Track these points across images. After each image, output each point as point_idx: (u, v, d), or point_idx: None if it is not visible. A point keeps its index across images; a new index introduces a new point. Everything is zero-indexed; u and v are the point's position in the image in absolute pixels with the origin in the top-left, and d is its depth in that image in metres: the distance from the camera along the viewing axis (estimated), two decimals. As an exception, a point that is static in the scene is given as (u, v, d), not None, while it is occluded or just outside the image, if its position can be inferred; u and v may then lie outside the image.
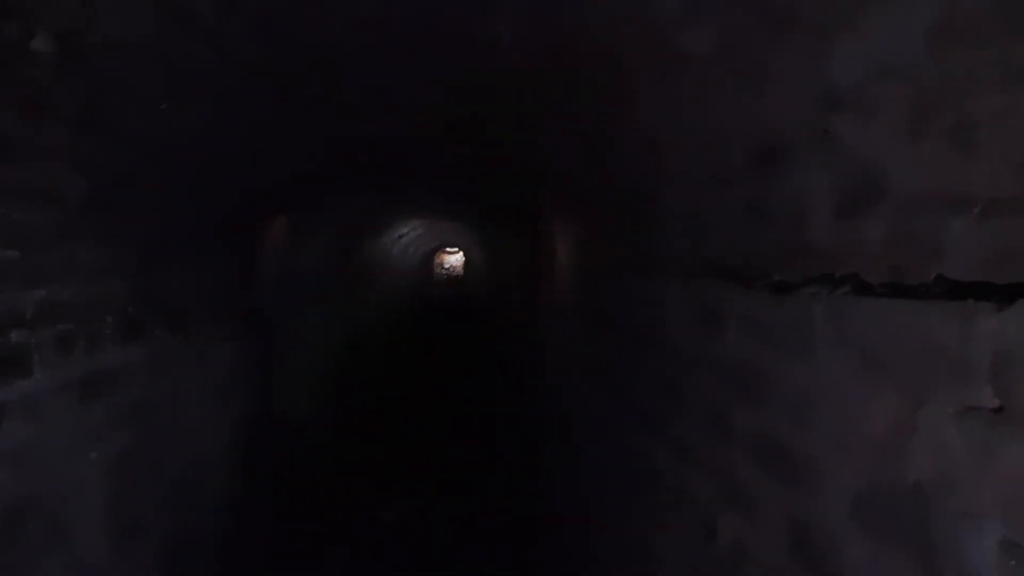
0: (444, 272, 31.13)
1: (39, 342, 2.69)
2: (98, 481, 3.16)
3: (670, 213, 2.90)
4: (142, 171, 3.22)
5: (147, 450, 3.67)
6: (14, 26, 2.08)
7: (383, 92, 4.09)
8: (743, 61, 1.96)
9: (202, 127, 3.38)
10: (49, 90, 2.38)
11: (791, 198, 1.84)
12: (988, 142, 1.13)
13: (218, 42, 2.81)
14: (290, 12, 2.83)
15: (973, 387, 1.15)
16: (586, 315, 4.97)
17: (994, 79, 1.10)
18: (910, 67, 1.28)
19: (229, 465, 5.15)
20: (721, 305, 2.39)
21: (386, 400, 11.65)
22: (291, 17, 2.87)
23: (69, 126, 2.58)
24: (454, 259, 31.04)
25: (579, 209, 4.95)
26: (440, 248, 27.40)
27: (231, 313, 5.15)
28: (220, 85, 3.16)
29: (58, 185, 2.71)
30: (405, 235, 15.76)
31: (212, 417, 4.79)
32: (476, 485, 8.09)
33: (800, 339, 1.80)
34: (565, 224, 5.58)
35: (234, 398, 5.30)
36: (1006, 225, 1.10)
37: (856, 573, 1.53)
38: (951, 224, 1.21)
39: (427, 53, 3.37)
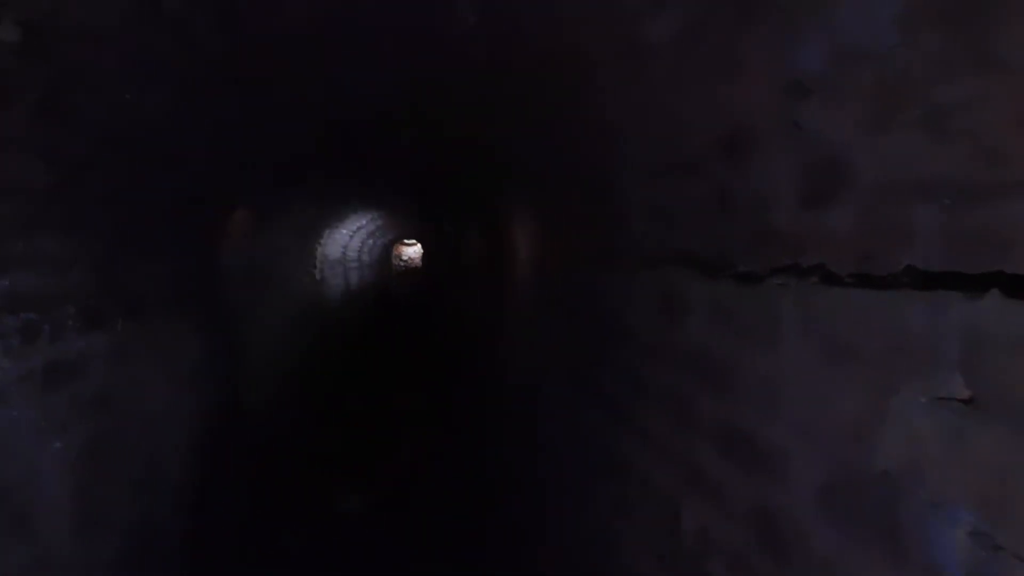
0: (402, 263, 30.97)
1: (3, 331, 2.65)
2: (61, 470, 3.11)
3: (634, 202, 2.89)
4: (105, 162, 3.17)
5: (110, 440, 3.61)
6: None
7: (344, 82, 4.05)
8: (709, 49, 1.94)
9: (166, 118, 3.32)
10: (12, 79, 2.32)
11: (757, 187, 1.83)
12: (958, 129, 1.12)
13: (183, 34, 2.76)
14: (256, 4, 2.78)
15: (944, 377, 1.15)
16: (549, 305, 4.95)
17: (964, 65, 1.10)
18: (878, 53, 1.27)
19: (193, 455, 5.07)
20: (685, 294, 2.38)
21: (348, 390, 11.59)
22: (257, 9, 2.83)
23: (31, 115, 2.52)
24: (412, 251, 30.89)
25: (541, 199, 4.93)
26: (398, 240, 27.23)
27: (194, 304, 5.08)
28: (184, 77, 3.11)
29: (21, 175, 2.65)
30: (363, 227, 15.65)
31: (176, 408, 4.73)
32: (435, 475, 8.08)
33: (766, 329, 1.79)
34: (527, 214, 5.55)
35: (198, 389, 5.23)
36: (977, 214, 1.09)
37: (823, 562, 1.53)
38: (920, 213, 1.21)
39: (388, 43, 3.34)
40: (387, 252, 26.77)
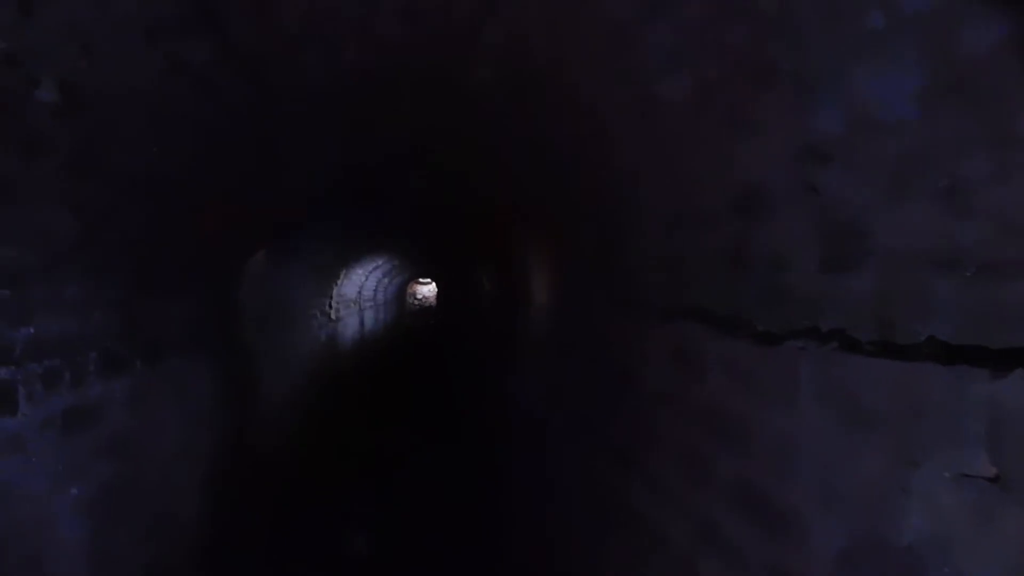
0: (417, 302, 31.03)
1: (26, 378, 2.67)
2: (78, 515, 3.11)
3: (647, 254, 2.89)
4: (129, 209, 3.21)
5: (127, 483, 3.61)
6: (20, 74, 2.07)
7: (360, 128, 4.10)
8: (723, 110, 1.95)
9: (189, 167, 3.38)
10: (46, 135, 2.37)
11: (773, 246, 1.83)
12: (979, 204, 1.12)
13: (208, 89, 2.83)
14: (279, 59, 2.84)
15: (969, 453, 1.13)
16: (561, 349, 4.93)
17: (985, 142, 1.10)
18: (898, 125, 1.27)
19: (207, 497, 5.06)
20: (701, 350, 2.36)
21: (361, 428, 11.55)
22: (279, 66, 2.88)
23: (63, 168, 2.58)
24: (426, 290, 30.98)
25: (555, 245, 4.94)
26: (413, 278, 27.31)
27: (211, 344, 5.10)
28: (208, 128, 3.17)
29: (49, 224, 2.70)
30: (379, 266, 15.71)
31: (191, 448, 4.72)
32: (444, 516, 8.01)
33: (784, 390, 1.78)
34: (542, 258, 5.57)
35: (212, 429, 5.23)
36: (1000, 289, 1.09)
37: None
38: (941, 284, 1.20)
39: (405, 92, 3.39)
40: (402, 291, 26.82)
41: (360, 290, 15.22)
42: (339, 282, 12.01)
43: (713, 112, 2.03)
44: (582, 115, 2.89)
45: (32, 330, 2.68)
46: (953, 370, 1.17)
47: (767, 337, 1.88)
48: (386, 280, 19.54)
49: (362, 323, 15.73)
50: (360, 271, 13.93)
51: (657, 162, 2.56)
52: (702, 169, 2.22)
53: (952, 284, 1.18)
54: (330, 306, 11.36)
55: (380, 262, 15.07)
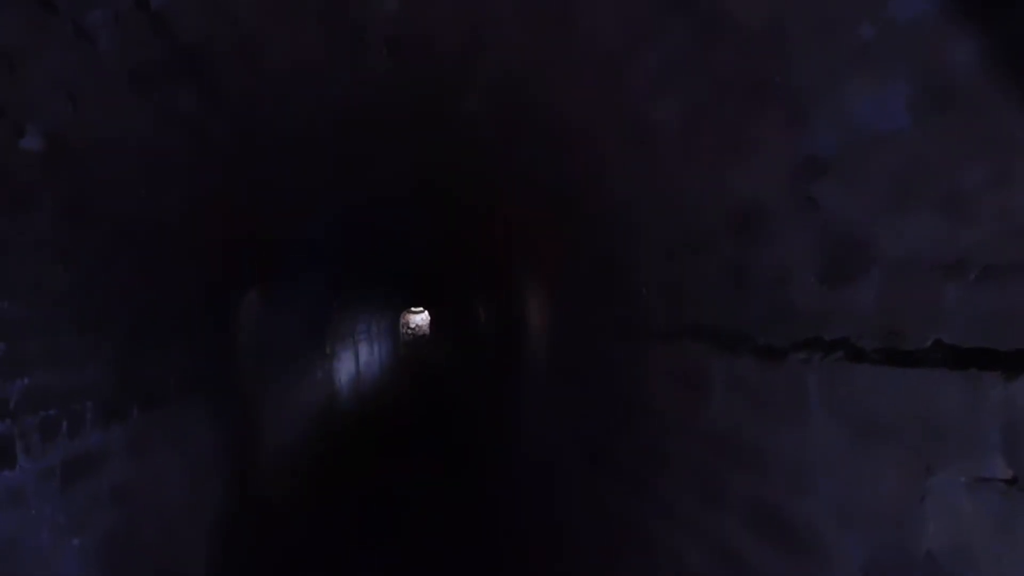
0: (410, 332, 30.93)
1: (23, 430, 2.65)
2: (81, 566, 3.06)
3: (647, 276, 2.89)
4: (121, 256, 3.21)
5: (128, 534, 3.56)
6: (4, 125, 2.07)
7: (352, 164, 4.11)
8: (716, 130, 1.97)
9: (179, 211, 3.38)
10: (36, 185, 2.37)
11: (773, 262, 1.84)
12: (980, 208, 1.13)
13: (199, 138, 2.84)
14: (267, 101, 2.85)
15: (984, 458, 1.13)
16: (564, 377, 4.92)
17: (984, 147, 1.11)
18: (895, 136, 1.28)
19: (212, 544, 4.99)
20: (705, 369, 2.35)
21: (361, 470, 11.47)
22: (268, 106, 2.89)
23: (53, 220, 2.57)
24: (419, 318, 30.90)
25: (552, 271, 4.94)
26: (405, 307, 27.27)
27: (209, 390, 5.06)
28: (200, 176, 3.17)
29: (42, 277, 2.70)
30: (373, 301, 15.70)
31: (192, 497, 4.66)
32: (452, 556, 7.93)
33: (792, 405, 1.77)
34: (539, 285, 5.56)
35: (215, 475, 5.18)
36: (1005, 290, 1.09)
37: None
38: (946, 289, 1.21)
39: (396, 128, 3.40)
40: (395, 323, 26.77)
41: (354, 325, 15.20)
42: (333, 317, 11.99)
43: (707, 134, 2.04)
44: (576, 143, 2.91)
45: (27, 381, 2.66)
46: (964, 374, 1.17)
47: (770, 352, 1.88)
48: (378, 314, 19.51)
49: (357, 357, 15.67)
50: (354, 306, 13.91)
51: (653, 186, 2.57)
52: (699, 191, 2.23)
53: (958, 288, 1.18)
54: (324, 342, 11.33)
55: (374, 296, 15.06)
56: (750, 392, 2.04)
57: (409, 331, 30.84)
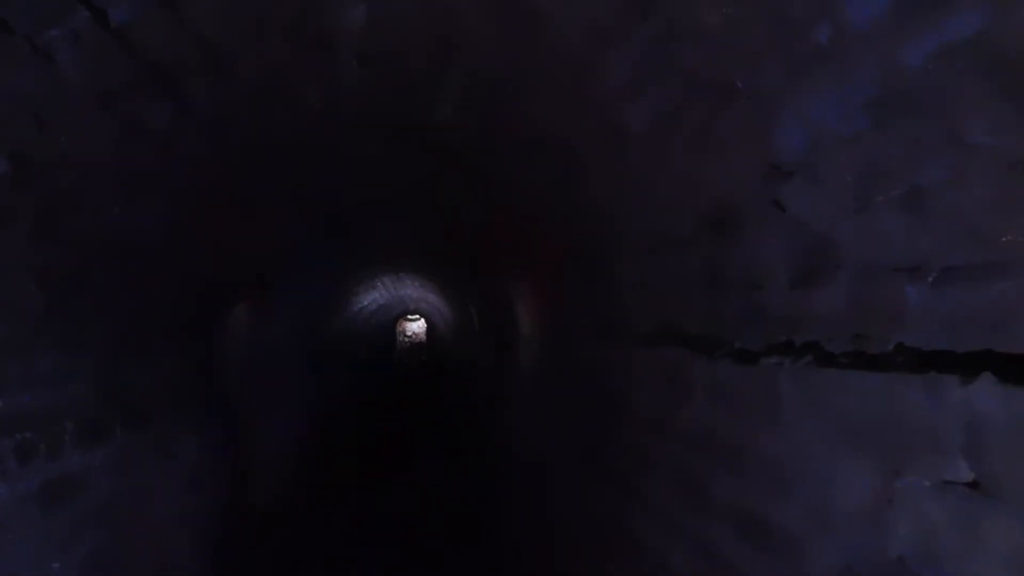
0: (407, 339, 30.89)
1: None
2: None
3: (626, 279, 2.90)
4: (98, 275, 3.17)
5: (114, 554, 3.51)
6: None
7: (330, 174, 4.10)
8: (688, 133, 1.96)
9: (157, 227, 3.35)
10: (4, 207, 2.35)
11: (746, 266, 1.84)
12: (937, 210, 1.13)
13: (170, 150, 2.81)
14: (240, 114, 2.83)
15: (948, 460, 1.13)
16: (553, 378, 4.93)
17: (939, 149, 1.10)
18: (854, 138, 1.28)
19: (204, 560, 4.96)
20: (685, 372, 2.36)
21: (354, 477, 11.46)
22: (241, 119, 2.88)
23: (25, 239, 2.54)
24: (416, 326, 30.87)
25: (538, 276, 4.95)
26: (401, 316, 27.22)
27: (195, 403, 5.01)
28: (174, 189, 3.15)
29: (16, 298, 2.65)
30: (365, 307, 15.67)
31: (180, 513, 4.60)
32: (447, 557, 7.94)
33: (767, 408, 1.77)
34: (527, 289, 5.57)
35: (202, 491, 5.11)
36: (962, 292, 1.09)
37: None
38: (908, 291, 1.20)
39: (369, 135, 3.40)
40: (391, 329, 26.75)
41: (347, 330, 15.17)
42: (325, 325, 11.96)
43: (678, 135, 2.03)
44: (551, 147, 2.90)
45: (1, 404, 2.62)
46: (924, 377, 1.17)
47: (745, 355, 1.87)
48: (372, 320, 19.50)
49: (351, 364, 15.64)
50: (346, 311, 13.89)
51: (628, 188, 2.57)
52: (672, 192, 2.23)
53: (918, 290, 1.18)
54: (318, 349, 11.30)
55: (366, 303, 15.04)
56: (728, 395, 2.04)
57: (406, 338, 30.79)
